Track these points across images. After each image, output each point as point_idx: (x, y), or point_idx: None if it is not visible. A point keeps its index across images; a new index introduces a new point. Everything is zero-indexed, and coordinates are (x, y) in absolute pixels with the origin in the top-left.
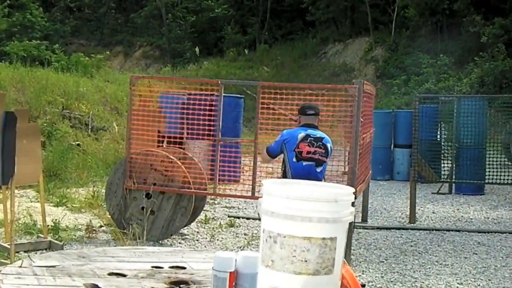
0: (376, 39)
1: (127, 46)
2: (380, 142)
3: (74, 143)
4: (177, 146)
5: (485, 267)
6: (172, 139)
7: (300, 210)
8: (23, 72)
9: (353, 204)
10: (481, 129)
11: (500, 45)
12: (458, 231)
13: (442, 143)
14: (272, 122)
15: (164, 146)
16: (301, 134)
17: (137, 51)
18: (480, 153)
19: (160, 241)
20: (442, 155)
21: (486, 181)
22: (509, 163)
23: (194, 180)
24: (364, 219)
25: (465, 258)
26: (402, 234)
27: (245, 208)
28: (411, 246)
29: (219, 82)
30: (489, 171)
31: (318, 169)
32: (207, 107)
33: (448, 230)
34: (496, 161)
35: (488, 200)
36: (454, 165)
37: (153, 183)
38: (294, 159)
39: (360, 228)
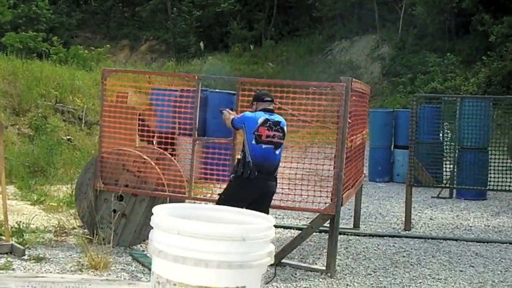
0: (383, 36)
1: (133, 39)
2: (379, 142)
3: (64, 138)
4: (169, 144)
5: (481, 283)
6: (163, 137)
7: (194, 251)
8: (17, 64)
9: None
10: (484, 131)
11: (508, 45)
12: (456, 240)
13: (445, 145)
14: None
15: (153, 144)
16: (261, 118)
17: (143, 45)
18: (482, 156)
19: (132, 247)
20: (444, 158)
21: (489, 186)
22: None
23: (170, 182)
24: (356, 225)
25: (461, 271)
26: (395, 243)
27: None
28: (404, 256)
29: (196, 77)
30: (492, 176)
31: (277, 151)
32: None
33: (445, 239)
34: (500, 165)
35: (490, 206)
36: (455, 169)
37: (125, 185)
38: (254, 142)
39: (350, 235)
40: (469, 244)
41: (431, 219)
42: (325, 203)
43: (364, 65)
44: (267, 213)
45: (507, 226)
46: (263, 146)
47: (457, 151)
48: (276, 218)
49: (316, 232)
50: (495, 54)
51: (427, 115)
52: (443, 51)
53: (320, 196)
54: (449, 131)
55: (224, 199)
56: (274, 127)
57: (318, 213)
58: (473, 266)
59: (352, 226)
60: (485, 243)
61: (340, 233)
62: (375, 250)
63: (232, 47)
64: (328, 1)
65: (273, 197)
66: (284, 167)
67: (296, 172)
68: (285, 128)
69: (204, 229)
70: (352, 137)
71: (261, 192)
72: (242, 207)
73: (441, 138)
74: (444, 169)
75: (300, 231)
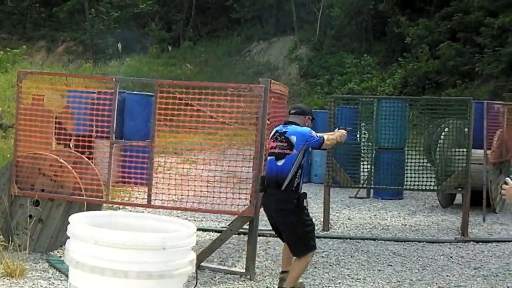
0: (301, 38)
1: (50, 41)
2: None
3: None
4: (86, 147)
5: (399, 281)
6: (80, 140)
7: (113, 261)
8: None
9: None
10: (401, 132)
11: (424, 46)
12: (374, 239)
13: (362, 146)
14: (171, 124)
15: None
16: (274, 131)
17: (60, 46)
18: (399, 156)
19: (48, 253)
20: (361, 158)
21: (405, 186)
22: (430, 166)
23: (88, 186)
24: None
25: (379, 270)
26: None
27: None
28: (323, 257)
29: (114, 79)
30: (408, 176)
31: (279, 163)
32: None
33: (363, 239)
34: (416, 164)
35: (407, 205)
36: (372, 169)
37: (41, 189)
38: (268, 155)
39: (270, 236)
40: (386, 244)
41: (349, 219)
42: (244, 205)
43: (282, 66)
44: (290, 233)
45: (423, 225)
46: (269, 158)
47: (374, 151)
48: (195, 220)
49: (235, 234)
50: (410, 56)
51: (345, 115)
52: (360, 52)
53: (239, 198)
54: (366, 132)
55: None
56: (279, 138)
57: (237, 216)
58: (391, 265)
59: (271, 228)
60: (403, 242)
61: (259, 235)
62: None
63: (150, 48)
64: (246, 3)
65: (193, 200)
66: (202, 169)
67: (214, 175)
68: (292, 137)
69: (122, 238)
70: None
71: (271, 207)
72: (272, 225)
73: (358, 138)
74: (361, 169)
75: (219, 234)
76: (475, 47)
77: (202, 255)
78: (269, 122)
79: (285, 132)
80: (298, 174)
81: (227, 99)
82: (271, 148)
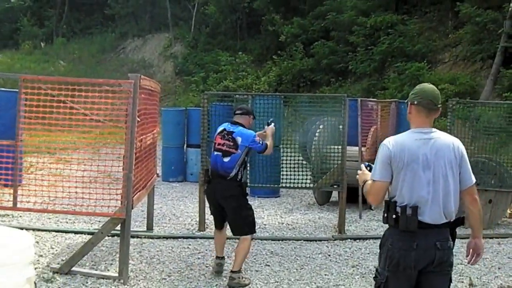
0: (176, 35)
1: None
2: (172, 141)
3: None
4: None
5: (277, 282)
6: None
7: None
8: None
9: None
10: (275, 129)
11: (298, 44)
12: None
13: None
14: (43, 122)
15: None
16: (220, 128)
17: None
18: (275, 154)
19: None
20: None
21: (282, 184)
22: (306, 164)
23: None
24: (150, 227)
25: (257, 271)
26: (190, 244)
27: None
28: (199, 258)
29: None
30: (284, 173)
31: (225, 159)
32: None
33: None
34: (292, 162)
35: (283, 203)
36: (248, 167)
37: None
38: (212, 149)
39: (144, 237)
40: (264, 243)
41: None
42: (115, 206)
43: (157, 63)
44: (235, 216)
45: (300, 223)
46: (215, 153)
47: None
48: (67, 222)
49: (109, 236)
50: (285, 54)
51: (219, 113)
52: (235, 50)
53: (110, 199)
54: None
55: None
56: (227, 136)
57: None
58: (268, 265)
59: (145, 228)
60: (280, 241)
61: (133, 237)
62: (169, 253)
63: (22, 44)
64: None
65: (62, 202)
66: (76, 170)
67: (83, 175)
68: (238, 138)
69: None
70: (141, 137)
71: (217, 195)
72: (215, 211)
73: None
74: None
75: (91, 236)
76: (348, 46)
77: (73, 260)
78: (139, 120)
79: (232, 132)
80: (241, 169)
81: (98, 95)
82: (219, 144)
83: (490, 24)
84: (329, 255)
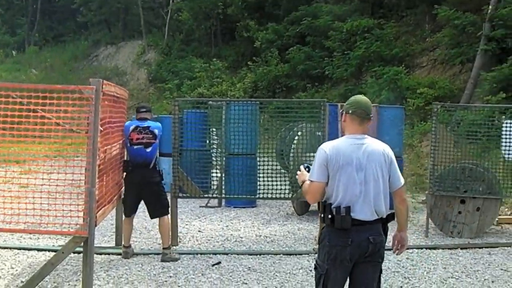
0: (149, 42)
1: None
2: None
3: None
4: None
5: None
6: None
7: None
8: None
9: None
10: (252, 136)
11: (273, 50)
12: (226, 254)
13: (212, 152)
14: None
15: None
16: (132, 126)
17: None
18: (251, 162)
19: None
20: (212, 165)
21: (259, 194)
22: (284, 172)
23: None
24: (119, 243)
25: None
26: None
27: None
28: (171, 276)
29: None
30: (261, 182)
31: (148, 150)
32: None
33: (215, 253)
34: (269, 170)
35: (260, 213)
36: (223, 176)
37: None
38: (129, 144)
39: (113, 254)
40: (240, 258)
41: (199, 231)
42: (76, 224)
43: (131, 71)
44: (156, 199)
45: (279, 235)
46: (135, 147)
47: (224, 158)
48: (31, 238)
49: (74, 253)
50: (260, 60)
51: (193, 120)
52: (209, 57)
53: (71, 216)
54: (216, 137)
55: (123, 199)
56: (144, 131)
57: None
58: (246, 283)
59: (114, 244)
60: (258, 256)
61: (100, 253)
62: (139, 271)
63: None
64: (93, 6)
65: (17, 220)
66: (33, 184)
67: (47, 189)
68: (155, 130)
69: None
70: (105, 147)
71: (141, 181)
72: (133, 199)
73: (208, 145)
74: (212, 177)
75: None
76: (325, 51)
77: (32, 282)
78: (102, 129)
79: (148, 126)
80: (157, 156)
81: (64, 102)
82: (137, 139)
83: (469, 27)
84: (311, 271)
